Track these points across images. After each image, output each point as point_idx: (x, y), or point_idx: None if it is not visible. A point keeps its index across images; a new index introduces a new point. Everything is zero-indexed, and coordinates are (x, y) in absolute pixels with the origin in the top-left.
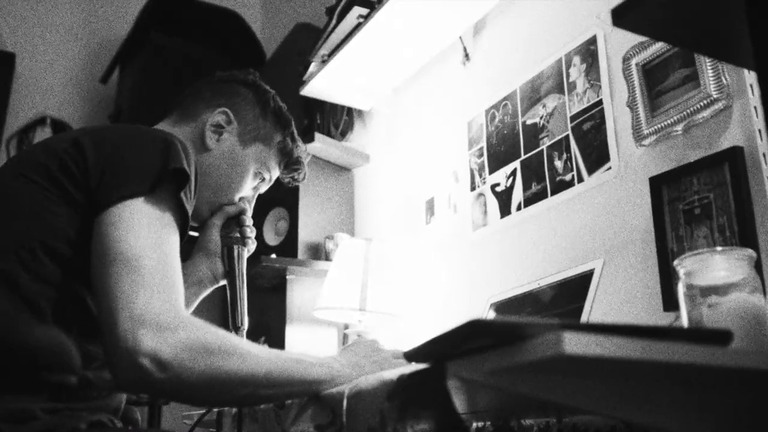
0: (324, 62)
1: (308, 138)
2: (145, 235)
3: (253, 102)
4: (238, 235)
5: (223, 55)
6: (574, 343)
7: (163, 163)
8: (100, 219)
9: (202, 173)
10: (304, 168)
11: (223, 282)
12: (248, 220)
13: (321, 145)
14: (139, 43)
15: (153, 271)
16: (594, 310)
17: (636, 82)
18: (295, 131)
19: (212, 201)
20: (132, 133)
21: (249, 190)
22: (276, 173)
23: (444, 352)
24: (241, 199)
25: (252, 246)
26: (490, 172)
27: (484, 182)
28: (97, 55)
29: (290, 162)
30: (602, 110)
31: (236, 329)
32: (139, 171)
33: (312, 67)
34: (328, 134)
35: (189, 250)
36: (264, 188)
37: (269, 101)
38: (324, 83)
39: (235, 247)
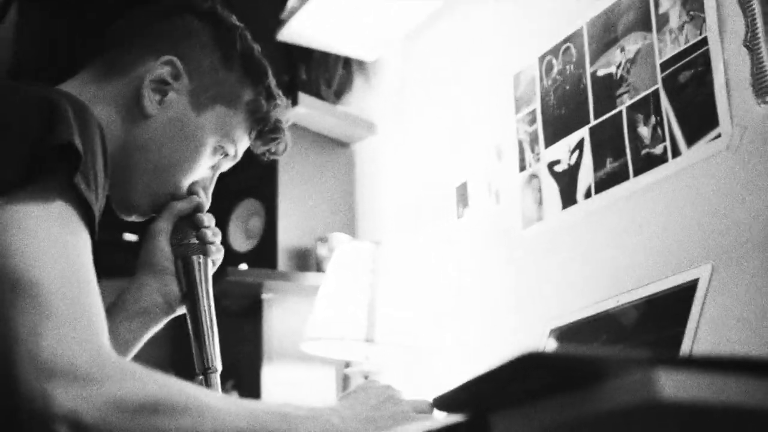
0: None
1: (290, 101)
2: (37, 246)
3: (211, 43)
4: (195, 241)
5: None
6: (672, 386)
7: (43, 133)
8: None
9: (137, 148)
10: (284, 135)
11: (182, 309)
12: (207, 219)
13: (307, 110)
14: None
15: (57, 298)
16: (700, 338)
17: (758, 11)
18: (273, 84)
19: (154, 188)
20: (1, 94)
21: (206, 169)
22: (244, 145)
23: (487, 398)
24: (193, 184)
25: (218, 255)
26: (547, 145)
27: (538, 159)
28: None
29: (265, 129)
30: (707, 53)
31: (205, 373)
32: (10, 149)
33: (293, 1)
34: (318, 95)
35: (128, 265)
36: (227, 166)
37: (234, 41)
38: (311, 23)
39: (194, 258)
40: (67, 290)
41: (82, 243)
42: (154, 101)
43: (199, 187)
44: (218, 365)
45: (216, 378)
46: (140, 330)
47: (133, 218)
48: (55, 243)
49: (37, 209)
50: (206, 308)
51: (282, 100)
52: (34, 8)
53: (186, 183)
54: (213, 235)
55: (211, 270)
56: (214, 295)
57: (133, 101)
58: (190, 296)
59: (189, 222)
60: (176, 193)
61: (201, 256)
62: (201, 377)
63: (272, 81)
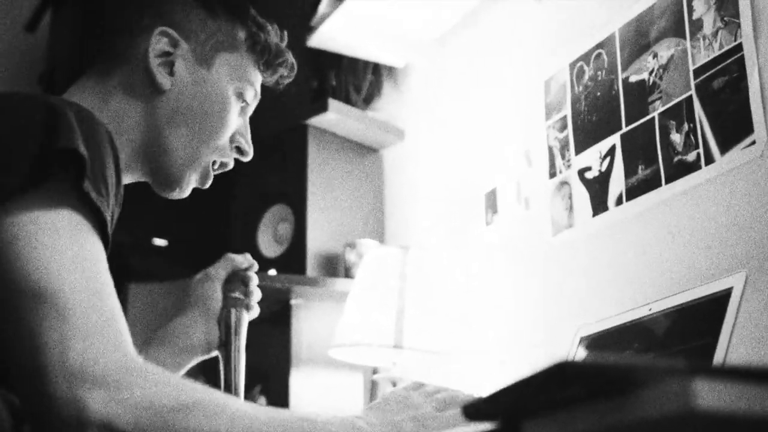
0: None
1: (319, 106)
2: (53, 255)
3: (190, 2)
4: (240, 296)
5: None
6: (708, 396)
7: (47, 140)
8: None
9: (166, 124)
10: (288, 55)
11: (215, 353)
12: (255, 279)
13: (337, 115)
14: None
15: (80, 305)
16: (734, 347)
17: None
18: (255, 13)
19: (197, 155)
20: (5, 103)
21: (236, 119)
22: (258, 80)
23: (518, 406)
24: (232, 137)
25: (255, 312)
26: (578, 152)
27: (569, 166)
28: None
29: (269, 57)
30: (742, 60)
31: None
32: (15, 156)
33: (323, 7)
34: (347, 101)
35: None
36: (253, 106)
37: None
38: (340, 29)
39: (234, 311)
40: (87, 298)
41: (96, 249)
42: (165, 75)
43: (238, 137)
44: None
45: None
46: (183, 364)
47: (186, 193)
48: (68, 253)
49: (45, 216)
50: (238, 359)
51: (273, 25)
52: (63, 19)
53: (224, 139)
54: (256, 295)
55: (246, 324)
56: None
57: (146, 82)
58: (226, 345)
59: (240, 276)
60: (219, 151)
61: (243, 311)
62: None
63: (254, 12)
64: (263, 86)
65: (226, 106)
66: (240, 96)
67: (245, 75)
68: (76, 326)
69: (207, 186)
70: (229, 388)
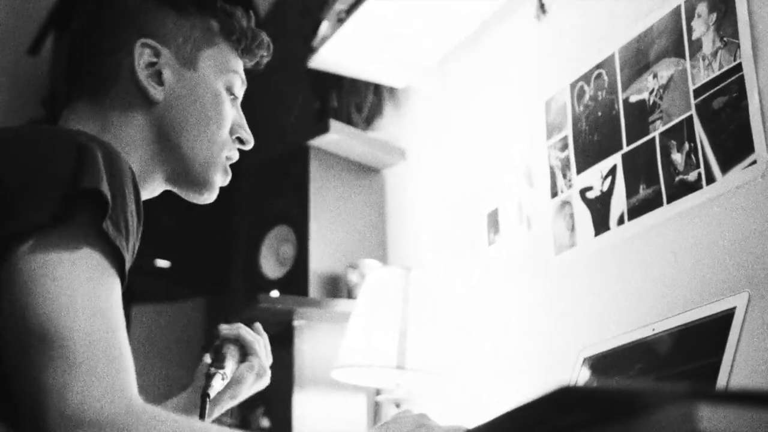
0: (341, 21)
1: (320, 127)
2: (66, 295)
3: (156, 5)
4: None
5: None
6: (711, 421)
7: (72, 178)
8: (3, 271)
9: (170, 132)
10: (263, 35)
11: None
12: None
13: (338, 136)
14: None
15: (85, 348)
16: (737, 368)
17: None
18: (221, 1)
19: (207, 153)
20: (35, 137)
21: (231, 111)
22: (241, 67)
23: (522, 431)
24: (234, 128)
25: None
26: (579, 171)
27: (570, 185)
28: (22, 15)
29: (247, 42)
30: (742, 79)
31: None
32: (40, 193)
33: (324, 29)
34: (349, 122)
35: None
36: (241, 92)
37: None
38: (341, 51)
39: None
40: (94, 341)
41: (111, 291)
42: (155, 87)
43: (237, 128)
44: None
45: None
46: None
47: (216, 193)
48: (83, 292)
49: (64, 256)
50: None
51: (240, 9)
52: (66, 43)
53: (226, 133)
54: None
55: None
56: (243, 320)
57: (140, 98)
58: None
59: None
60: (225, 146)
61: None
62: None
63: (219, 1)
64: (264, 107)
65: (220, 101)
66: (229, 89)
67: (229, 66)
68: (79, 369)
69: (228, 182)
70: None
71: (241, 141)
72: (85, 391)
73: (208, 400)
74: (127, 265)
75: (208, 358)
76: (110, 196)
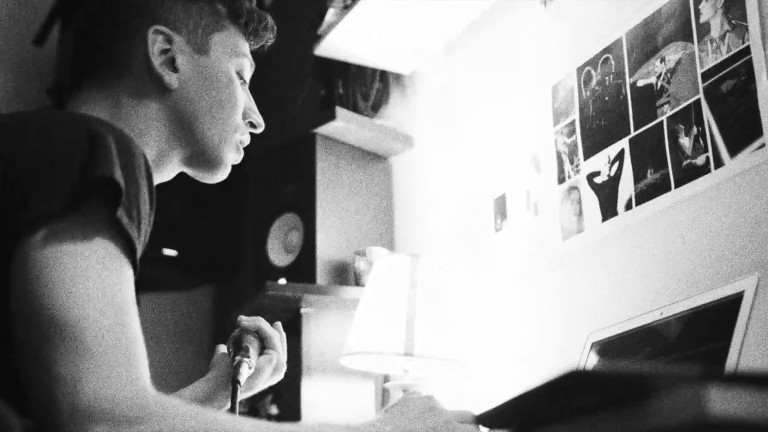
0: (347, 8)
1: (327, 115)
2: (79, 284)
3: None
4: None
5: None
6: (721, 403)
7: (86, 166)
8: (15, 260)
9: (186, 117)
10: (268, 17)
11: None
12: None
13: (345, 123)
14: None
15: (98, 338)
16: (746, 351)
17: None
18: None
19: (222, 135)
20: (47, 123)
21: (242, 94)
22: (248, 49)
23: (531, 415)
24: (246, 112)
25: (251, 364)
26: (586, 157)
27: (578, 171)
28: (27, 5)
29: (254, 25)
30: (750, 63)
31: None
32: (53, 180)
33: (330, 16)
34: (355, 109)
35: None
36: (249, 74)
37: None
38: (347, 38)
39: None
40: (107, 330)
41: (124, 279)
42: (170, 73)
43: (249, 111)
44: None
45: None
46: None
47: (228, 171)
48: (96, 281)
49: (77, 245)
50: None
51: None
52: (72, 34)
53: (239, 115)
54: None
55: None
56: (252, 309)
57: (155, 84)
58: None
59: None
60: (239, 128)
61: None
62: None
63: None
64: (270, 95)
65: (233, 86)
66: (239, 72)
67: (238, 49)
68: (91, 361)
69: (240, 160)
70: None
71: (252, 125)
72: (98, 382)
73: (239, 387)
74: (139, 253)
75: (223, 348)
76: (123, 183)
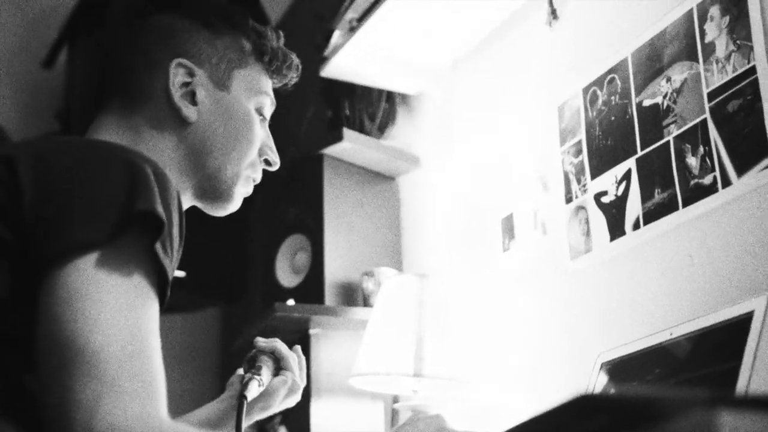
0: (353, 30)
1: (334, 136)
2: (107, 314)
3: (190, 25)
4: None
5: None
6: (734, 426)
7: (128, 199)
8: (44, 284)
9: (201, 152)
10: (293, 57)
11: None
12: (264, 359)
13: (352, 145)
14: (95, 13)
15: (119, 368)
16: (757, 371)
17: None
18: (252, 21)
19: (235, 171)
20: (84, 151)
21: (260, 131)
22: (270, 87)
23: None
24: (261, 149)
25: (264, 380)
26: (593, 176)
27: (585, 190)
28: (37, 28)
29: (278, 63)
30: (755, 82)
31: None
32: (93, 209)
33: (336, 38)
34: (362, 130)
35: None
36: (269, 113)
37: (200, 9)
38: (353, 59)
39: (247, 375)
40: (129, 361)
41: (151, 314)
42: (189, 106)
43: (266, 148)
44: None
45: None
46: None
47: (236, 207)
48: (123, 312)
49: (112, 275)
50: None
51: (270, 29)
52: (80, 57)
53: (255, 154)
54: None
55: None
56: (260, 330)
57: (173, 117)
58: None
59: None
60: (252, 166)
61: (253, 379)
62: None
63: (249, 17)
64: (277, 116)
65: (251, 123)
66: (259, 110)
67: (260, 87)
68: (110, 388)
69: (250, 192)
70: None
71: (267, 162)
72: (116, 410)
73: (245, 402)
74: (169, 287)
75: (242, 371)
76: (165, 218)
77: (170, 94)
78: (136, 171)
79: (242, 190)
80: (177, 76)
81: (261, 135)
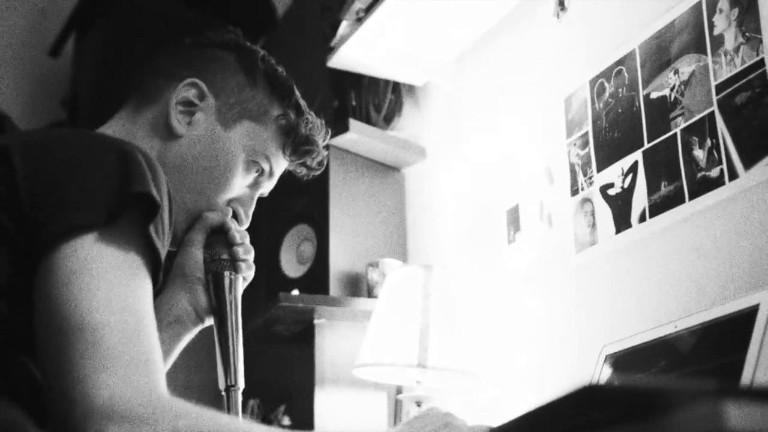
0: (360, 20)
1: (340, 127)
2: (104, 292)
3: (235, 66)
4: (227, 257)
5: (216, 15)
6: (739, 418)
7: (122, 183)
8: (42, 267)
9: (172, 169)
10: (318, 148)
11: (211, 321)
12: (240, 237)
13: (358, 135)
14: (101, 1)
15: (118, 343)
16: (762, 364)
17: None
18: (301, 100)
19: (189, 206)
20: (78, 141)
21: (241, 187)
22: (280, 163)
23: (545, 430)
24: (231, 201)
25: (249, 273)
26: (600, 169)
27: (591, 183)
28: (44, 17)
29: (297, 142)
30: (764, 75)
31: (227, 390)
32: (89, 194)
33: (343, 28)
34: (368, 121)
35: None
36: (267, 186)
37: (256, 62)
38: (360, 50)
39: (225, 274)
40: (127, 337)
41: (146, 293)
42: (182, 122)
43: (237, 204)
44: (241, 383)
45: (238, 395)
46: (173, 340)
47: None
48: (120, 290)
49: (108, 255)
50: (234, 325)
51: (313, 116)
52: (86, 45)
53: (221, 200)
54: (245, 252)
55: (242, 287)
56: (265, 320)
57: (164, 124)
58: (218, 312)
59: (223, 238)
60: (210, 209)
61: (232, 273)
62: (223, 393)
63: (299, 98)
64: None
65: (232, 169)
66: (252, 166)
67: (263, 148)
68: (109, 363)
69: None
70: (227, 355)
71: (234, 215)
72: (115, 384)
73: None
74: (162, 268)
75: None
76: (159, 200)
77: (169, 103)
78: (129, 157)
79: (185, 227)
80: (183, 92)
81: (239, 188)
